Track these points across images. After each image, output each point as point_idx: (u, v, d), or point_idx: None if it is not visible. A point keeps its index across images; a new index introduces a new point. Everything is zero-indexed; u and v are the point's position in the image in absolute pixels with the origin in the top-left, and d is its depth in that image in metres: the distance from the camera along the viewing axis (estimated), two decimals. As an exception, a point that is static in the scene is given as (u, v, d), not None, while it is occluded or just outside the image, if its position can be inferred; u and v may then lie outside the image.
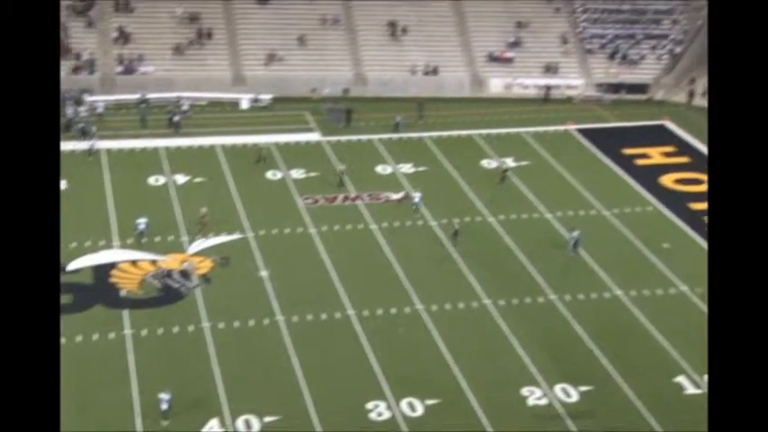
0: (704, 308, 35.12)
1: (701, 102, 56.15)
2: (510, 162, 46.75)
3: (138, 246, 38.36)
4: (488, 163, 47.34)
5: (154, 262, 37.30)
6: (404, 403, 29.64)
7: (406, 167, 46.35)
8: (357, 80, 56.43)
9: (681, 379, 31.18)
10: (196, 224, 39.43)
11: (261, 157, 46.30)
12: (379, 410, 29.32)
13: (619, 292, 35.98)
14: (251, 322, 33.73)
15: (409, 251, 38.79)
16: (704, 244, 39.74)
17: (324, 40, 57.93)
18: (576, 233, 38.74)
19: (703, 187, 45.13)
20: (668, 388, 30.87)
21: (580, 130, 51.45)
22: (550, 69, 57.43)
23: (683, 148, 49.51)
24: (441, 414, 29.27)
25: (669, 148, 49.32)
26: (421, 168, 46.34)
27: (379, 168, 46.04)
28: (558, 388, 30.53)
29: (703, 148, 49.28)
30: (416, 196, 42.15)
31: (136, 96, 52.50)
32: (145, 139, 48.75)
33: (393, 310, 34.65)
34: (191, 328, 33.38)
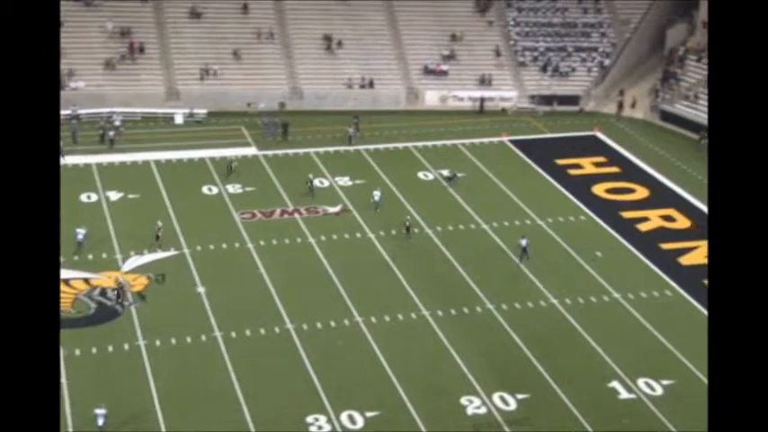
0: (636, 313, 35.97)
1: (630, 113, 57.61)
2: (446, 173, 47.26)
3: (70, 264, 37.55)
4: (425, 175, 47.74)
5: (87, 280, 36.58)
6: (344, 416, 29.60)
7: (344, 180, 46.43)
8: (293, 94, 56.35)
9: (615, 384, 31.81)
10: (153, 237, 39.17)
11: (231, 168, 46.18)
12: (319, 424, 29.21)
13: (554, 301, 36.57)
14: (188, 339, 33.30)
15: (348, 264, 38.84)
16: (635, 251, 40.73)
17: (259, 54, 57.75)
18: (524, 240, 39.46)
19: (633, 196, 46.36)
20: (603, 393, 31.46)
21: (514, 142, 52.25)
22: (484, 82, 58.24)
23: (614, 158, 50.66)
24: (381, 426, 29.29)
25: (600, 159, 50.42)
26: (359, 181, 46.46)
27: (317, 182, 46.00)
28: (496, 396, 30.85)
29: (632, 158, 50.53)
30: (376, 195, 43.06)
31: (66, 112, 51.49)
32: (76, 155, 47.85)
33: (332, 324, 34.62)
34: (126, 346, 32.81)
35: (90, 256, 38.22)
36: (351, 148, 50.30)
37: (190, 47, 57.39)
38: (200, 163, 47.64)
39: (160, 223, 39.86)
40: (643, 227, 42.83)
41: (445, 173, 47.04)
